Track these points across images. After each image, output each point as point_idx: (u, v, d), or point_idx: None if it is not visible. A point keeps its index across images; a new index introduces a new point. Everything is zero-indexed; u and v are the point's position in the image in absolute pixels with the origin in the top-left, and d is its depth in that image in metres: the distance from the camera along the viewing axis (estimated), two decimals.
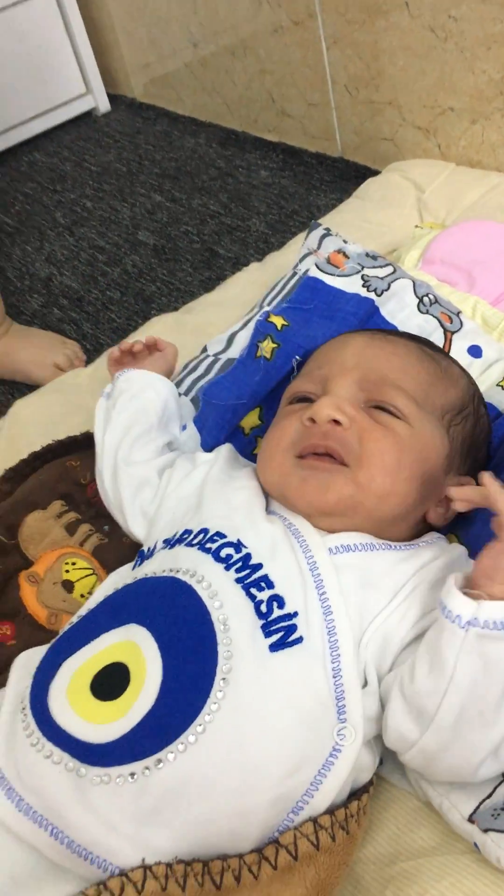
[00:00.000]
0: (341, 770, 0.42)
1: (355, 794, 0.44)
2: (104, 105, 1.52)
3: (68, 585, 0.60)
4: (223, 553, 0.46)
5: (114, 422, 0.59)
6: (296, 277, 0.69)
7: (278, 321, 0.64)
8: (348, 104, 1.10)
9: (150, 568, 0.48)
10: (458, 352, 0.63)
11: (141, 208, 1.25)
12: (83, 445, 0.69)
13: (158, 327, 0.88)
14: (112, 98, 1.53)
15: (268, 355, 0.63)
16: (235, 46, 1.21)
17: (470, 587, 0.41)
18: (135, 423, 0.59)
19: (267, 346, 0.64)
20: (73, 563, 0.61)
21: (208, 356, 0.68)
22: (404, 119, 1.03)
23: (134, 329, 0.96)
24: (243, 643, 0.43)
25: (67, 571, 0.61)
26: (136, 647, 0.43)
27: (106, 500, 0.59)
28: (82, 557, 0.62)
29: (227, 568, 0.46)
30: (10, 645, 0.57)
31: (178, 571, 0.46)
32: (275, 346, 0.64)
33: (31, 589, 0.60)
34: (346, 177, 1.17)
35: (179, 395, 0.65)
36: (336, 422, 0.49)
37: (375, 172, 1.06)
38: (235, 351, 0.68)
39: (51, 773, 0.40)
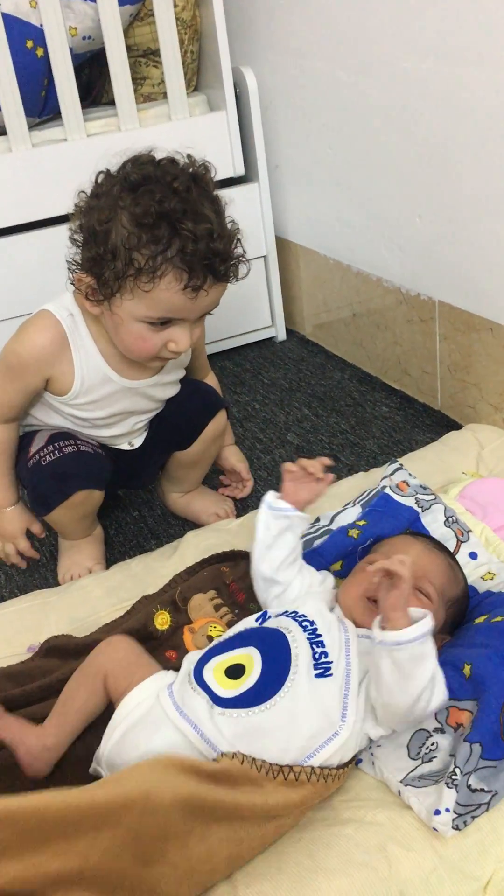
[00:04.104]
0: (336, 744, 0.81)
1: (340, 766, 0.83)
2: (282, 335, 2.05)
3: (210, 639, 1.02)
4: (304, 624, 0.88)
5: (278, 547, 0.97)
6: (375, 491, 1.14)
7: (361, 522, 1.09)
8: (448, 378, 1.58)
9: (268, 623, 0.91)
10: (463, 554, 1.05)
11: (293, 417, 1.74)
12: (230, 558, 1.13)
13: None
14: (289, 332, 2.07)
15: (355, 536, 1.08)
16: (380, 322, 1.73)
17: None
18: (289, 554, 0.98)
19: (354, 532, 1.08)
20: (215, 627, 1.03)
21: (320, 526, 1.13)
22: (482, 397, 1.50)
23: None
24: (303, 668, 0.84)
25: (211, 631, 1.04)
26: (251, 657, 0.85)
27: (256, 583, 1.00)
28: (220, 625, 1.04)
29: (304, 631, 0.87)
30: (173, 661, 0.99)
31: (281, 627, 0.88)
32: (359, 531, 1.08)
33: (190, 636, 1.02)
34: (440, 424, 1.61)
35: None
36: None
37: (459, 426, 1.52)
38: (335, 525, 1.12)
39: (199, 703, 0.81)
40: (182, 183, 1.01)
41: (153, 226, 0.98)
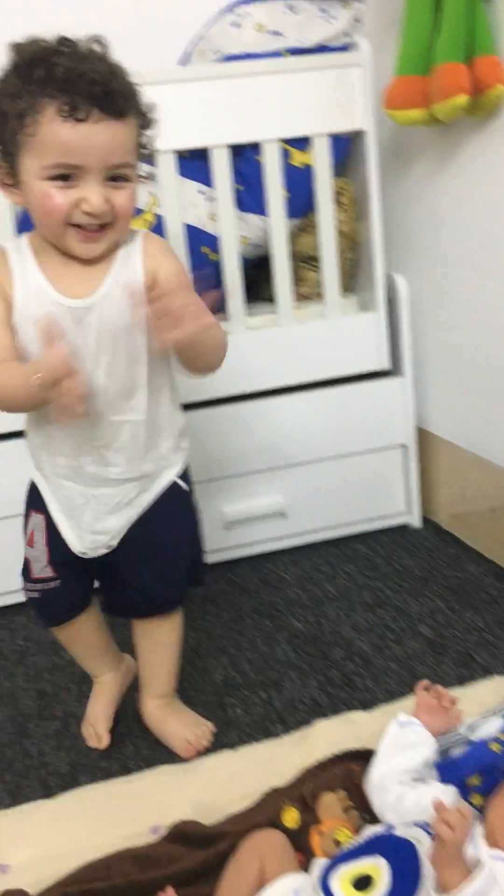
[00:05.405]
0: None
1: None
2: (417, 523, 2.07)
3: (337, 843, 0.99)
4: None
5: (403, 759, 0.99)
6: None
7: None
8: None
9: (399, 832, 0.88)
10: None
11: (426, 608, 1.72)
12: (363, 757, 1.10)
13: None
14: (424, 519, 2.10)
15: (497, 750, 1.04)
16: None
17: None
18: (411, 769, 0.99)
19: (496, 746, 1.04)
20: (343, 832, 1.00)
21: (459, 734, 1.09)
22: None
23: (402, 695, 1.39)
24: (431, 885, 0.80)
25: (338, 835, 1.00)
26: (378, 868, 0.83)
27: (371, 793, 0.99)
28: (348, 829, 1.01)
29: None
30: (301, 864, 0.96)
31: (412, 837, 0.86)
32: (502, 746, 1.04)
33: (318, 839, 0.99)
34: None
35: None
36: None
37: None
38: (475, 736, 1.08)
39: None
40: (63, 42, 1.01)
41: (28, 65, 0.99)
